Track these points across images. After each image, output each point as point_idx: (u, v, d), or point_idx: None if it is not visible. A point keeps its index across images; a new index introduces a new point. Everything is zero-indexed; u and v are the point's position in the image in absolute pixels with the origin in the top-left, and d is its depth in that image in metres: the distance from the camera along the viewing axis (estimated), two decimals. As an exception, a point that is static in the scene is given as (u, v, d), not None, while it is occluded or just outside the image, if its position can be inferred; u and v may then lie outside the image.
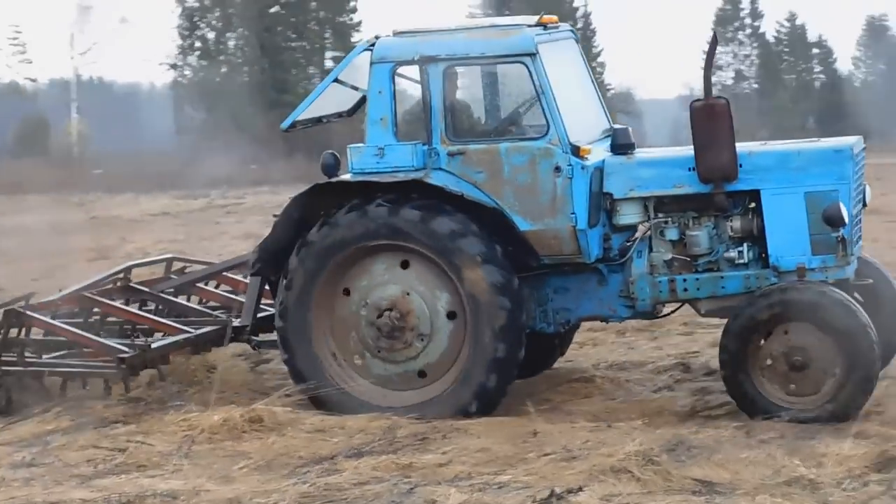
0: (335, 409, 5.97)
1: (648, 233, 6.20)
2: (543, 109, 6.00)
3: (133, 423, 6.03)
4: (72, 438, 5.76)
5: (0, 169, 30.80)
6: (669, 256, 6.10)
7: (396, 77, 6.12)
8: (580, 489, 4.32)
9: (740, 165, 5.90)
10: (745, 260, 6.00)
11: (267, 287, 6.57)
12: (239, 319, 6.74)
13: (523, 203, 5.99)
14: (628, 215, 6.17)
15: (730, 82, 47.99)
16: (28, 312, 6.57)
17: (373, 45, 6.27)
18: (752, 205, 6.02)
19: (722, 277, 6.01)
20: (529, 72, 5.96)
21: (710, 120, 5.94)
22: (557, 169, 5.91)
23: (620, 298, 6.16)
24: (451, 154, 6.05)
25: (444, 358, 6.02)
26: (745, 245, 6.03)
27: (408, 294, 5.99)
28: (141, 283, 7.48)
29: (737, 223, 6.06)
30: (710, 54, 6.64)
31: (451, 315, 5.99)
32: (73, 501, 4.60)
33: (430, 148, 6.06)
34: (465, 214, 5.85)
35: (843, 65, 51.52)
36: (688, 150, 6.07)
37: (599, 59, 43.50)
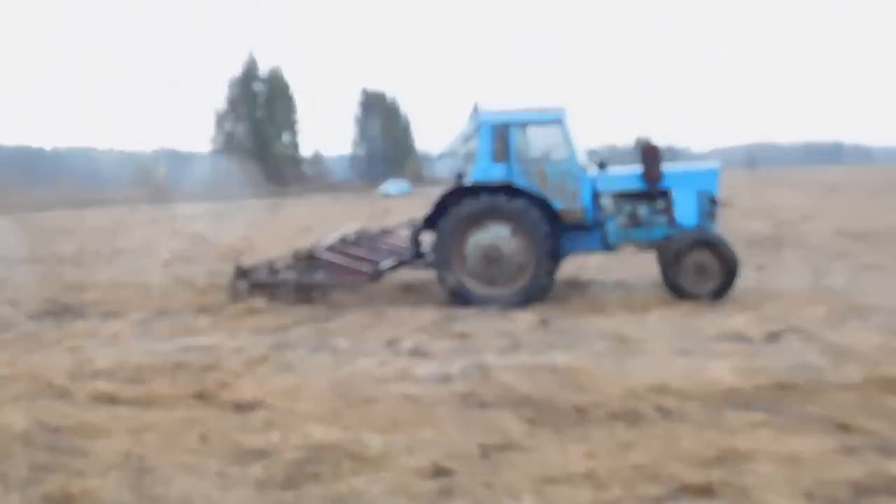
0: (461, 300, 11.91)
1: (613, 210, 12.40)
2: (570, 148, 12.14)
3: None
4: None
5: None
6: (626, 221, 12.49)
7: (492, 132, 12.27)
8: (403, 338, 9.70)
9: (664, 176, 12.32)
10: (664, 222, 12.39)
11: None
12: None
13: (558, 195, 12.14)
14: (605, 200, 12.42)
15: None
16: (312, 253, 13.16)
17: (478, 115, 12.46)
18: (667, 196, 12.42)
19: (652, 231, 12.42)
20: (563, 129, 12.16)
21: (650, 154, 12.46)
22: (575, 178, 12.13)
23: (599, 241, 12.51)
24: (521, 171, 12.20)
25: (513, 276, 12.03)
26: (665, 215, 12.41)
27: (499, 241, 12.03)
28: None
29: (660, 204, 12.43)
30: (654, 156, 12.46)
31: (518, 243, 11.98)
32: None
33: (509, 167, 12.22)
34: (529, 200, 11.99)
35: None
36: (637, 168, 12.49)
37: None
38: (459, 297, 12.00)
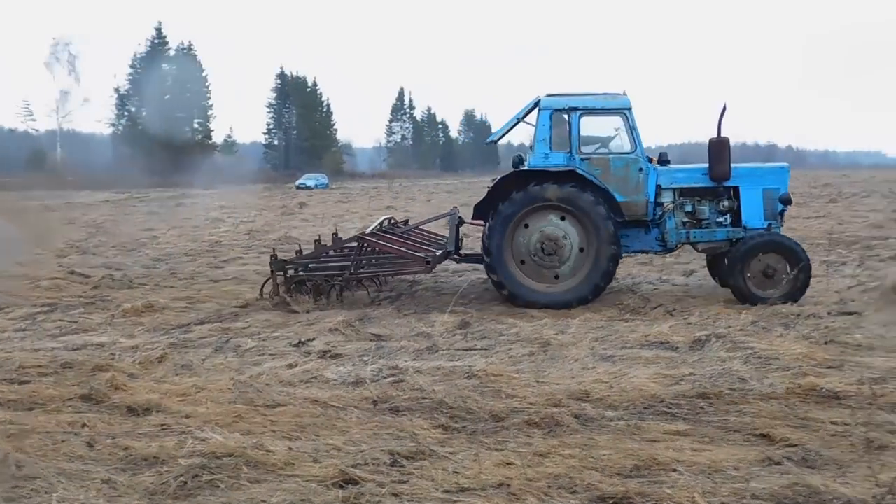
0: (513, 294, 11.73)
1: (672, 206, 12.22)
2: (635, 138, 11.97)
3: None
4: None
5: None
6: (686, 219, 12.32)
7: (552, 117, 11.99)
8: (314, 339, 9.61)
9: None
10: (727, 222, 12.30)
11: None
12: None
13: (620, 187, 11.88)
14: (666, 196, 12.25)
15: (399, 139, 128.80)
16: (368, 238, 12.62)
17: (539, 101, 12.10)
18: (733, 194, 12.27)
19: (714, 231, 12.27)
20: (628, 118, 11.92)
21: (719, 148, 12.06)
22: (640, 170, 11.95)
23: (656, 241, 12.32)
24: (582, 159, 11.94)
25: (570, 271, 11.84)
26: (728, 215, 12.29)
27: (556, 231, 11.82)
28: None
29: (725, 203, 12.26)
30: (722, 115, 12.08)
31: (581, 250, 11.82)
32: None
33: (570, 155, 11.91)
34: (593, 190, 11.65)
35: (453, 134, 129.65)
36: (702, 164, 12.36)
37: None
38: (510, 294, 11.74)
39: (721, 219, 12.31)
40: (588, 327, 10.05)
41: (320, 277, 12.25)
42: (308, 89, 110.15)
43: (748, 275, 11.51)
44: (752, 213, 12.17)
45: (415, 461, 5.60)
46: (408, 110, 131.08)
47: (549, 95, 12.24)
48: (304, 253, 13.34)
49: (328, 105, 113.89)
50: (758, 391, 7.18)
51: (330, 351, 8.98)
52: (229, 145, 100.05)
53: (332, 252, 13.40)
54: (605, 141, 12.46)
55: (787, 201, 12.27)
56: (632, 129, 11.93)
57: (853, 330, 9.48)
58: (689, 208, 12.32)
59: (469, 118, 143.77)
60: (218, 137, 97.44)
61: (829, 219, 25.80)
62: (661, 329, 9.72)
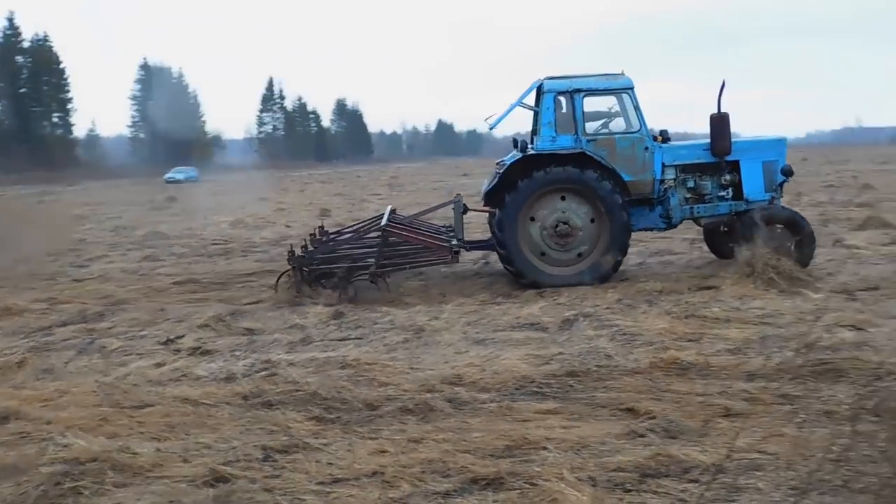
0: (531, 280, 11.66)
1: (675, 183, 12.31)
2: (639, 117, 12.02)
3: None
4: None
5: None
6: (688, 195, 12.45)
7: (556, 100, 11.98)
8: (184, 336, 9.36)
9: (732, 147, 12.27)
10: (729, 196, 12.44)
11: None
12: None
13: (627, 166, 11.90)
14: (669, 173, 12.31)
15: (270, 130, 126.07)
16: (394, 229, 12.37)
17: (541, 84, 12.14)
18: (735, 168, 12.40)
19: (717, 206, 12.43)
20: (631, 97, 11.99)
21: (720, 124, 12.22)
22: (646, 148, 12.01)
23: (660, 218, 12.31)
24: (588, 140, 11.90)
25: (590, 245, 11.85)
26: (730, 189, 12.44)
27: (568, 213, 11.80)
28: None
29: (727, 177, 12.42)
30: (721, 91, 12.25)
31: (591, 216, 11.84)
32: None
33: (577, 137, 11.88)
34: (602, 170, 11.63)
35: (325, 123, 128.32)
36: (702, 140, 12.56)
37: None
38: (527, 277, 11.67)
39: (723, 193, 12.49)
40: (461, 312, 10.14)
41: (345, 270, 11.68)
42: (174, 80, 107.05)
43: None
44: (753, 186, 12.38)
45: (288, 455, 5.52)
46: (278, 100, 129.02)
47: (550, 78, 12.22)
48: (312, 246, 12.69)
49: (196, 96, 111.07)
50: (623, 367, 7.39)
51: (200, 347, 8.77)
52: (92, 139, 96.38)
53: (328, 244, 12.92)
54: (604, 122, 12.44)
55: (788, 172, 12.53)
56: (636, 108, 12.01)
57: (711, 304, 9.86)
58: (691, 184, 12.48)
59: (341, 107, 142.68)
60: (80, 131, 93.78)
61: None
62: (532, 311, 9.90)
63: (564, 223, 11.83)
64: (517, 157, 12.05)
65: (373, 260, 11.80)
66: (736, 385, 6.66)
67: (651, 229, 12.73)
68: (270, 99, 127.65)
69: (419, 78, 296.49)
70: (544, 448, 5.43)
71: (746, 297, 10.13)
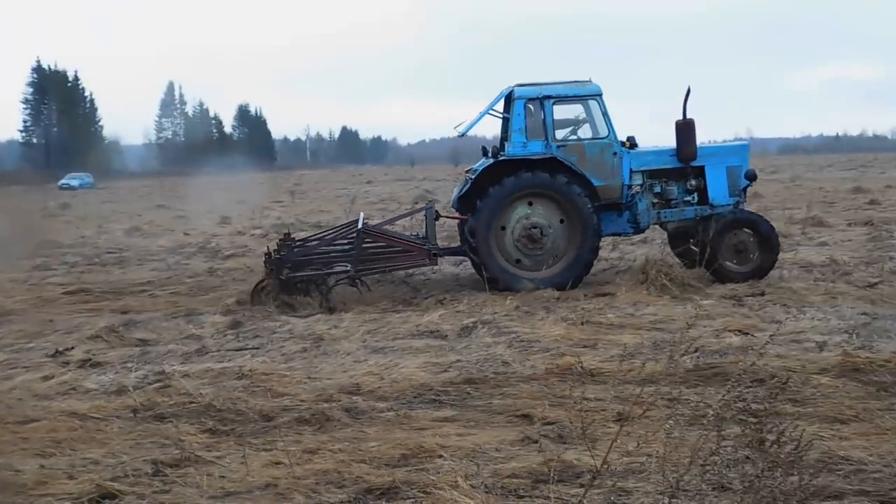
0: (505, 285, 11.70)
1: (642, 188, 12.47)
2: (608, 124, 12.20)
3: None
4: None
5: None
6: (656, 200, 12.59)
7: (526, 107, 12.10)
8: (73, 347, 9.06)
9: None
10: (695, 201, 12.64)
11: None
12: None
13: (596, 171, 12.06)
14: (637, 178, 12.49)
15: (170, 135, 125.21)
16: (371, 231, 12.32)
17: (511, 91, 12.24)
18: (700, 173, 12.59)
19: (683, 210, 12.62)
20: (600, 104, 12.19)
21: (686, 130, 12.45)
22: (615, 154, 12.17)
23: (628, 223, 12.53)
24: (558, 146, 12.08)
25: (561, 249, 12.04)
26: (695, 194, 12.64)
27: (540, 218, 12.01)
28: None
29: (692, 182, 12.64)
30: (686, 97, 12.42)
31: (562, 221, 12.03)
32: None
33: (547, 143, 12.02)
34: (571, 175, 11.81)
35: (227, 129, 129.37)
36: (668, 146, 12.68)
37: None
38: (501, 283, 11.72)
39: (689, 198, 12.72)
40: (361, 320, 10.08)
41: (323, 276, 11.53)
42: (69, 84, 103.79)
43: (722, 252, 12.02)
44: (718, 191, 12.62)
45: (179, 469, 5.39)
46: (179, 105, 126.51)
47: (520, 85, 12.33)
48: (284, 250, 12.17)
49: (92, 101, 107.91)
50: (520, 373, 7.47)
51: (90, 359, 8.49)
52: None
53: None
54: (583, 127, 12.59)
55: (752, 177, 12.81)
56: (604, 115, 12.21)
57: (606, 311, 10.06)
58: (658, 189, 12.66)
59: (244, 113, 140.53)
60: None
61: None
62: (432, 318, 9.92)
63: (535, 228, 12.06)
64: (488, 164, 12.19)
65: (349, 264, 11.69)
66: (628, 390, 6.79)
67: (619, 234, 13.10)
68: (170, 104, 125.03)
69: (322, 83, 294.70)
70: (440, 456, 5.43)
71: (640, 304, 10.37)
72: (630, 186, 12.44)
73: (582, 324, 9.40)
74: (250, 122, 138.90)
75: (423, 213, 12.91)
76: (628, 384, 6.95)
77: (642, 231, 12.97)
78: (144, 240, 21.81)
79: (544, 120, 12.11)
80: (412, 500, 4.75)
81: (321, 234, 13.49)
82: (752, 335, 8.53)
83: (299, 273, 11.52)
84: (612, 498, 4.62)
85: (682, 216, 12.71)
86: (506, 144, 12.44)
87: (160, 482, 5.16)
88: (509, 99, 12.44)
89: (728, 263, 12.04)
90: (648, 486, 4.74)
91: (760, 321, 9.21)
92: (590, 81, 12.45)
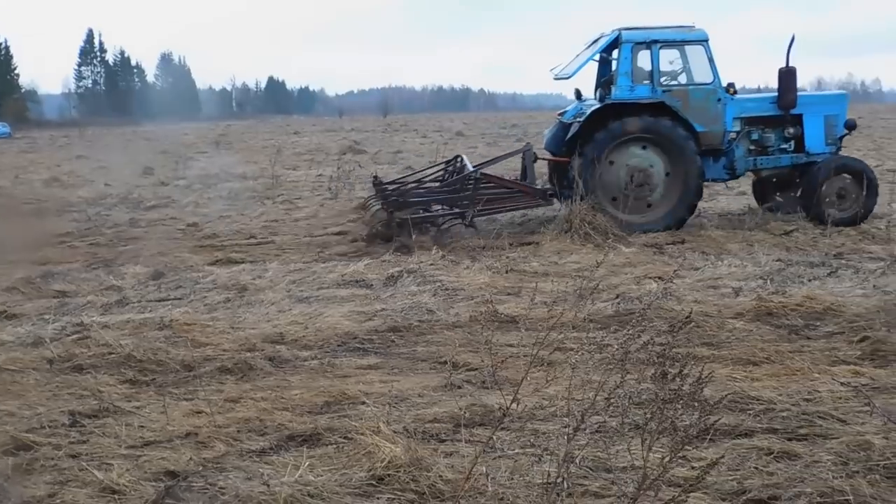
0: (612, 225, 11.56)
1: (738, 135, 12.54)
2: (713, 69, 12.24)
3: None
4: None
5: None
6: (752, 147, 12.72)
7: (633, 50, 12.11)
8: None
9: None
10: (791, 149, 12.76)
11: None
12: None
13: (699, 117, 12.05)
14: (735, 125, 12.55)
15: (90, 84, 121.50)
16: (490, 176, 12.78)
17: (619, 35, 12.25)
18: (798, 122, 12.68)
19: (779, 158, 12.73)
20: (705, 49, 12.21)
21: (788, 78, 12.51)
22: (719, 100, 12.22)
23: (724, 169, 12.64)
24: (663, 91, 12.13)
25: (661, 197, 12.16)
26: (792, 142, 12.75)
27: (645, 161, 12.05)
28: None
29: (790, 130, 12.67)
30: (790, 46, 12.63)
31: (666, 164, 12.13)
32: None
33: (653, 87, 12.07)
34: (675, 119, 11.79)
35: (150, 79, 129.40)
36: (769, 94, 13.10)
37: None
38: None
39: (785, 145, 12.82)
40: (286, 270, 10.01)
41: (440, 217, 11.98)
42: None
43: (823, 197, 12.21)
44: (815, 139, 12.69)
45: (97, 419, 5.32)
46: (99, 53, 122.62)
47: (626, 29, 12.35)
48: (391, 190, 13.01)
49: (7, 48, 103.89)
50: (444, 321, 7.52)
51: (6, 311, 8.27)
52: None
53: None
54: (688, 72, 12.61)
55: (852, 126, 12.93)
56: (710, 60, 12.22)
57: (531, 259, 10.16)
58: (755, 136, 12.75)
59: (166, 61, 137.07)
60: None
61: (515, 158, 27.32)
62: (357, 268, 9.88)
63: (640, 171, 12.14)
64: (596, 107, 12.18)
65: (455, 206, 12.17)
66: (550, 336, 6.87)
67: (716, 180, 13.18)
68: (90, 52, 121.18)
69: (248, 32, 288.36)
70: (363, 403, 5.45)
71: (564, 252, 10.50)
72: (730, 133, 12.56)
73: (506, 272, 9.47)
74: (174, 71, 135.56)
75: (521, 155, 13.40)
76: (550, 330, 7.05)
77: (737, 177, 13.17)
78: (64, 191, 21.21)
79: (652, 64, 12.23)
80: (334, 445, 4.77)
81: (409, 177, 14.45)
82: (672, 282, 8.71)
83: (415, 215, 11.94)
84: (523, 436, 4.71)
85: (777, 163, 12.87)
86: (612, 88, 12.37)
87: (77, 433, 5.09)
88: (616, 43, 12.42)
89: (830, 209, 12.20)
90: (556, 425, 4.84)
91: (679, 268, 9.40)
92: (694, 27, 12.60)
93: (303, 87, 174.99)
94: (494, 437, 4.67)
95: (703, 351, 6.37)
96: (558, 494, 3.60)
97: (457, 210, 12.09)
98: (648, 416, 3.07)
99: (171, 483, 4.30)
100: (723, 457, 4.06)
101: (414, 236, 11.45)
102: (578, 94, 13.32)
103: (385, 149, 34.10)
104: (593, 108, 12.27)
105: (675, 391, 3.01)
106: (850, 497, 4.00)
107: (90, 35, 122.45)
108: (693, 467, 4.14)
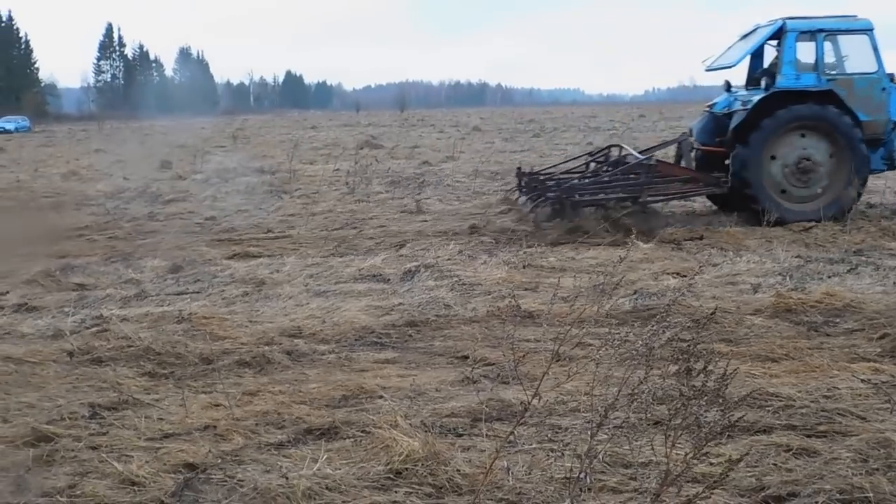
0: (773, 217, 11.57)
1: None
2: (877, 59, 12.20)
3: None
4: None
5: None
6: None
7: (798, 39, 12.12)
8: (8, 292, 8.87)
9: None
10: None
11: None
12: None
13: (863, 106, 12.01)
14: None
15: (109, 79, 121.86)
16: (662, 161, 12.87)
17: (783, 24, 12.24)
18: None
19: None
20: (870, 38, 12.15)
21: None
22: (883, 89, 12.19)
23: (882, 160, 12.54)
24: (828, 80, 12.09)
25: (829, 181, 12.12)
26: None
27: (810, 150, 12.03)
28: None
29: None
30: None
31: (831, 153, 12.12)
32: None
33: (818, 76, 12.05)
34: (840, 108, 11.86)
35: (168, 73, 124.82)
36: None
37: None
38: (770, 214, 11.62)
39: None
40: (303, 265, 10.01)
41: (610, 201, 11.87)
42: (2, 24, 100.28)
43: None
44: None
45: (116, 412, 5.33)
46: (117, 47, 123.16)
47: (791, 19, 12.37)
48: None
49: (27, 42, 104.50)
50: (461, 316, 7.50)
51: (26, 304, 8.32)
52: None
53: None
54: (852, 61, 12.56)
55: None
56: (874, 50, 12.18)
57: (548, 254, 10.12)
58: None
59: (185, 55, 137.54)
60: None
61: (532, 152, 27.32)
62: (375, 262, 9.88)
63: (807, 159, 12.10)
64: (762, 96, 12.17)
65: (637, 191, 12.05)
66: (568, 331, 6.85)
67: (873, 171, 12.83)
68: (109, 46, 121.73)
69: (267, 27, 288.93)
70: (380, 397, 5.45)
71: (581, 248, 10.45)
72: (892, 122, 12.45)
73: (524, 267, 9.45)
74: (192, 66, 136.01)
75: (677, 144, 13.71)
76: (568, 326, 7.02)
77: (895, 168, 12.96)
78: (82, 184, 21.31)
79: (816, 53, 12.20)
80: (352, 439, 4.76)
81: (556, 167, 14.79)
82: (690, 277, 8.66)
83: (586, 199, 12.02)
84: (543, 431, 4.70)
85: None
86: (774, 77, 12.37)
87: (97, 425, 5.11)
88: (781, 32, 12.39)
89: None
90: (576, 420, 4.82)
91: (698, 264, 9.34)
92: (857, 16, 12.57)
93: (320, 81, 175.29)
94: (514, 432, 4.66)
95: (722, 347, 6.32)
96: (581, 490, 3.58)
97: (630, 197, 12.05)
98: (672, 412, 3.05)
99: (190, 475, 4.30)
100: (747, 454, 4.03)
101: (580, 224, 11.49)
102: (728, 86, 13.45)
103: (402, 144, 34.07)
104: (760, 97, 12.22)
105: (699, 388, 2.98)
106: (870, 494, 3.96)
107: (109, 29, 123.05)
108: (712, 464, 4.12)
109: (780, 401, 5.21)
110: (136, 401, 5.50)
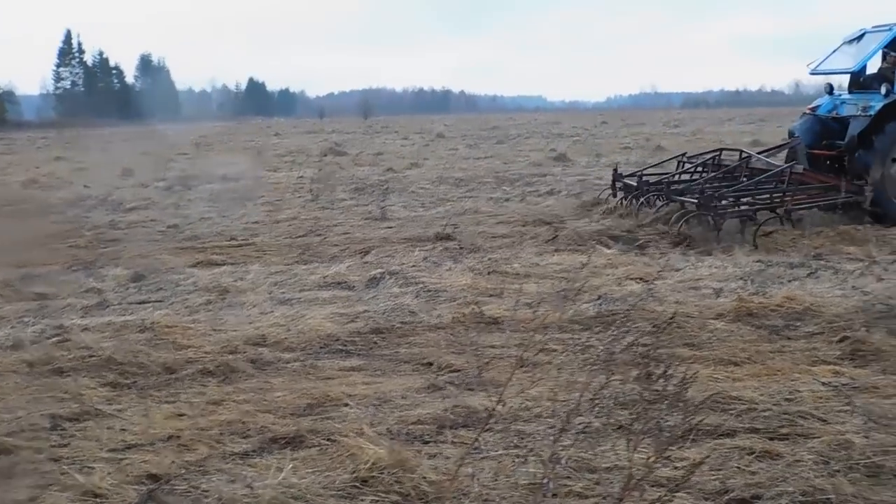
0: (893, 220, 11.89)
1: None
2: None
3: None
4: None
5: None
6: None
7: None
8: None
9: None
10: None
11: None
12: None
13: None
14: None
15: (69, 86, 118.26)
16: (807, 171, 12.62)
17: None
18: None
19: None
20: None
21: None
22: None
23: None
24: None
25: None
26: None
27: None
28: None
29: None
30: None
31: None
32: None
33: None
34: None
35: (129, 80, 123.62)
36: None
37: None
38: (891, 219, 11.92)
39: None
40: (267, 272, 9.96)
41: (751, 212, 11.73)
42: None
43: None
44: None
45: (78, 423, 5.27)
46: (77, 54, 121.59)
47: None
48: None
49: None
50: (426, 322, 7.50)
51: (-16, 315, 8.19)
52: None
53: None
54: None
55: None
56: None
57: (512, 261, 10.15)
58: None
59: (146, 63, 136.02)
60: None
61: (496, 159, 27.43)
62: (339, 269, 9.85)
63: None
64: (885, 102, 12.36)
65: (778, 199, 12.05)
66: (532, 337, 6.88)
67: None
68: (68, 53, 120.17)
69: (228, 34, 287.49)
70: (346, 405, 5.43)
71: (545, 254, 10.51)
72: None
73: (488, 273, 9.47)
74: (153, 73, 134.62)
75: (789, 149, 13.66)
76: (533, 331, 7.06)
77: None
78: (43, 192, 21.04)
79: None
80: (317, 447, 4.75)
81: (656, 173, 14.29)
82: (653, 283, 8.74)
83: (731, 210, 11.71)
84: (508, 437, 4.71)
85: None
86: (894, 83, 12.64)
87: (58, 436, 5.04)
88: None
89: None
90: (541, 426, 4.84)
91: (661, 269, 9.43)
92: None
93: (283, 89, 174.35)
94: (479, 439, 4.67)
95: (684, 351, 6.38)
96: (544, 495, 3.60)
97: (772, 204, 12.06)
98: (633, 416, 3.08)
99: (154, 486, 4.26)
100: (708, 457, 4.08)
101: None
102: (830, 89, 13.64)
103: (366, 150, 34.02)
104: (884, 103, 12.43)
105: (660, 392, 3.02)
106: (832, 496, 4.02)
107: (68, 36, 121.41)
108: (676, 467, 4.16)
109: (743, 404, 5.27)
110: (98, 411, 5.44)
